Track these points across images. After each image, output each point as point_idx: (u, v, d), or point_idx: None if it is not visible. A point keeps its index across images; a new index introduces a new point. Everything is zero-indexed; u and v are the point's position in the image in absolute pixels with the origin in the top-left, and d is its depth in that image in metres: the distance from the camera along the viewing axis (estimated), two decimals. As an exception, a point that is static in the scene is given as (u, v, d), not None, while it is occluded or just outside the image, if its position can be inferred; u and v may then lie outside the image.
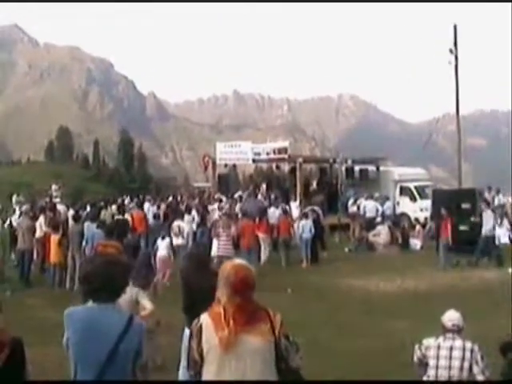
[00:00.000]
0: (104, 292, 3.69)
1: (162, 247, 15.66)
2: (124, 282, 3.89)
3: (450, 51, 28.27)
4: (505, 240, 22.24)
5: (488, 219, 18.89)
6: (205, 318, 3.67)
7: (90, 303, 3.75)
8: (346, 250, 22.63)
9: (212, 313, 3.66)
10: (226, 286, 3.62)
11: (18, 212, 21.32)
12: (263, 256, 19.13)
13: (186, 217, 20.16)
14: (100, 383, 3.55)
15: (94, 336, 3.56)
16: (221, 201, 24.58)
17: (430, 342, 6.09)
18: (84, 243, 15.01)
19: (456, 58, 28.17)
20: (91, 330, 3.58)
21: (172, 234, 17.58)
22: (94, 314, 3.66)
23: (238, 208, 22.93)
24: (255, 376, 3.54)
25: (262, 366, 3.57)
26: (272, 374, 3.63)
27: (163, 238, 16.31)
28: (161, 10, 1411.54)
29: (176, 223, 18.22)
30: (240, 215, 20.93)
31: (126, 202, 26.83)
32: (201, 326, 3.64)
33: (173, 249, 16.61)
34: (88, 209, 23.58)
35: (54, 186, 33.10)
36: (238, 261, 3.91)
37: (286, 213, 21.46)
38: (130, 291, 6.77)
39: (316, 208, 23.05)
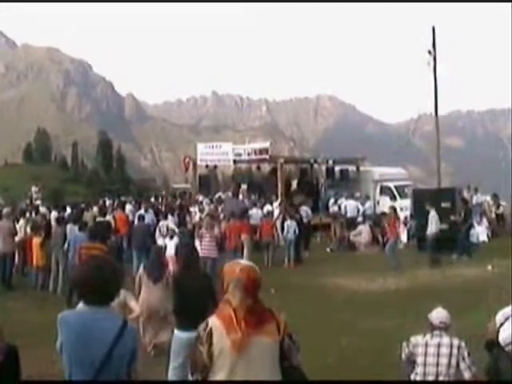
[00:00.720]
0: (97, 295, 3.67)
1: (171, 246, 15.63)
2: (117, 286, 3.87)
3: (429, 52, 28.49)
4: (483, 238, 22.54)
5: (432, 219, 19.19)
6: (214, 321, 3.63)
7: (81, 306, 3.74)
8: (328, 249, 22.75)
9: (221, 315, 3.64)
10: (238, 289, 3.62)
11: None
12: (245, 257, 19.11)
13: (170, 218, 20.11)
14: None
15: (88, 340, 3.54)
16: (201, 202, 24.55)
17: (417, 339, 6.15)
18: (66, 245, 14.89)
19: (435, 59, 28.39)
20: (85, 334, 3.56)
21: (158, 235, 17.55)
22: (88, 317, 3.64)
23: (219, 209, 22.92)
24: (266, 376, 3.58)
25: (271, 365, 3.61)
26: (278, 373, 3.67)
27: (171, 237, 16.37)
28: (139, 12, 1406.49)
29: (163, 223, 18.18)
30: (222, 216, 20.96)
31: (108, 203, 26.67)
32: (211, 330, 3.59)
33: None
34: (68, 210, 23.44)
35: (34, 188, 32.83)
36: (244, 262, 3.94)
37: (269, 214, 21.49)
38: (121, 294, 6.76)
39: (305, 208, 23.04)
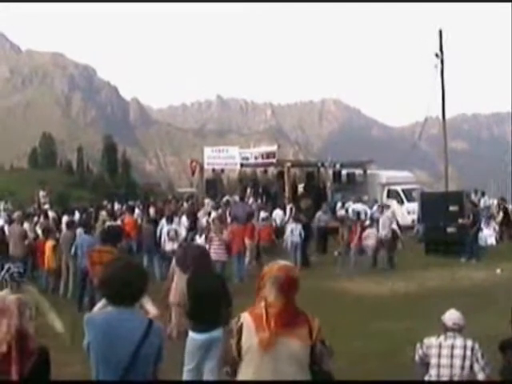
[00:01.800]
0: (123, 296, 3.72)
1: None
2: (142, 287, 3.92)
3: (436, 55, 28.46)
4: (491, 241, 22.54)
5: (384, 223, 19.37)
6: (246, 318, 3.71)
7: (110, 307, 3.79)
8: (336, 253, 22.70)
9: (253, 313, 3.71)
10: (274, 286, 3.67)
11: (2, 219, 21.12)
12: (247, 261, 19.03)
13: (177, 221, 20.13)
14: None
15: (114, 340, 3.59)
16: (208, 206, 24.56)
17: (431, 341, 6.16)
18: (73, 249, 14.84)
19: (442, 62, 28.36)
20: (112, 334, 3.61)
21: (167, 239, 17.59)
22: (114, 318, 3.69)
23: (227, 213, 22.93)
24: (290, 378, 3.61)
25: (297, 368, 3.63)
26: (307, 377, 3.69)
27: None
28: (144, 16, 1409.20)
29: (171, 227, 18.18)
30: (229, 220, 20.97)
31: (116, 207, 26.77)
32: (241, 325, 3.68)
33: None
34: (77, 215, 23.52)
35: (41, 193, 32.87)
36: (284, 262, 3.97)
37: (268, 219, 21.42)
38: None
39: (319, 213, 22.81)
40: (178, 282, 9.48)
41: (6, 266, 7.01)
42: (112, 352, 3.59)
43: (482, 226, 21.74)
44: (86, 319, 3.75)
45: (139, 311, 6.97)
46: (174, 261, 10.68)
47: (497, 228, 24.80)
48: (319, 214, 22.00)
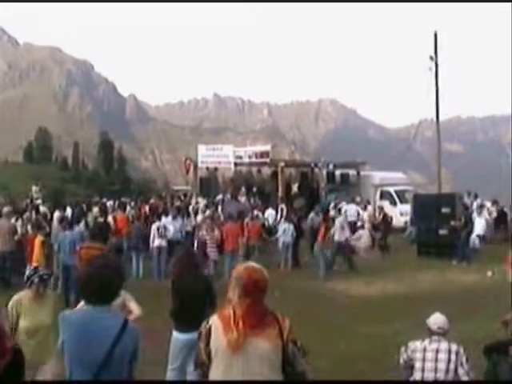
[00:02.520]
0: (99, 295, 3.70)
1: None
2: (119, 285, 3.90)
3: (431, 58, 28.52)
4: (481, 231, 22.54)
5: (338, 226, 19.43)
6: (214, 320, 3.71)
7: (86, 306, 3.75)
8: (328, 253, 22.69)
9: (221, 315, 3.71)
10: (238, 287, 3.67)
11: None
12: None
13: (169, 218, 20.06)
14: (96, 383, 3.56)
15: (90, 339, 3.57)
16: (200, 204, 24.47)
17: (416, 344, 6.17)
18: (56, 245, 14.70)
19: (436, 64, 28.41)
20: (87, 333, 3.59)
21: (156, 235, 17.56)
22: (90, 316, 3.67)
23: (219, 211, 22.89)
24: (261, 379, 3.58)
25: (268, 369, 3.61)
26: (278, 378, 3.67)
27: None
28: (142, 12, 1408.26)
29: (160, 224, 18.15)
30: (222, 218, 20.92)
31: (109, 204, 26.64)
32: (210, 328, 3.68)
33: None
34: (68, 210, 23.42)
35: (34, 188, 32.73)
36: (252, 263, 3.95)
37: (257, 217, 21.32)
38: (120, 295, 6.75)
39: (312, 215, 22.58)
40: None
41: (31, 268, 6.88)
42: (86, 351, 3.56)
43: (475, 215, 21.90)
44: (61, 318, 3.72)
45: (119, 310, 6.95)
46: None
47: (488, 218, 24.84)
48: (312, 215, 21.72)
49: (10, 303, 6.20)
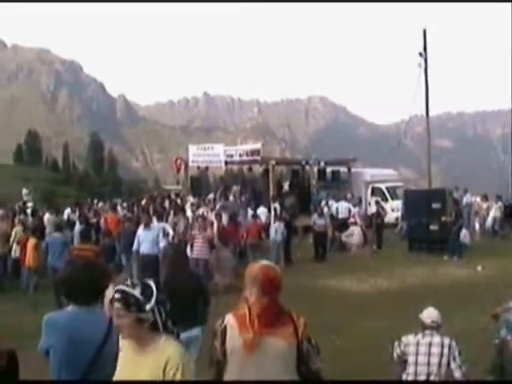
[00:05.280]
0: (84, 295, 3.69)
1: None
2: (103, 285, 3.89)
3: (420, 54, 28.58)
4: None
5: (277, 228, 19.70)
6: (229, 319, 3.71)
7: (71, 307, 3.75)
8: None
9: (237, 313, 3.71)
10: (255, 286, 3.66)
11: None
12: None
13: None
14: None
15: (77, 340, 3.55)
16: (192, 204, 24.44)
17: (409, 339, 6.21)
18: (44, 246, 14.60)
19: (425, 61, 28.48)
20: (74, 335, 3.57)
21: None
22: (75, 317, 3.66)
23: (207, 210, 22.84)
24: (276, 378, 3.59)
25: (283, 368, 3.61)
26: (293, 377, 3.67)
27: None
28: (130, 12, 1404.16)
29: (160, 226, 18.11)
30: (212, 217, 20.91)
31: (100, 205, 26.61)
32: (225, 327, 3.68)
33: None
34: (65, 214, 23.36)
35: (24, 191, 32.57)
36: (266, 262, 3.95)
37: (256, 216, 21.34)
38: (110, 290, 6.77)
39: (315, 217, 22.36)
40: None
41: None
42: (74, 352, 3.55)
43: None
44: (46, 320, 3.68)
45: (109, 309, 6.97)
46: None
47: (477, 226, 25.08)
48: (314, 216, 21.51)
49: None
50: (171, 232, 18.34)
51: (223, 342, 3.66)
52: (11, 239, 16.59)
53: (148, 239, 14.61)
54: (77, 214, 22.05)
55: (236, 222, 19.58)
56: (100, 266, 3.97)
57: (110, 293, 6.68)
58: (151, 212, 21.33)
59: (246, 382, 3.60)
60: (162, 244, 17.10)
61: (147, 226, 15.00)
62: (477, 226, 25.81)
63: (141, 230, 14.95)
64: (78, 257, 11.05)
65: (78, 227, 16.05)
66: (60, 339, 3.59)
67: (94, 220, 19.53)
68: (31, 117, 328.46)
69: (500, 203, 25.46)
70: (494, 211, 24.71)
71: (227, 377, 3.68)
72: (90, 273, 3.73)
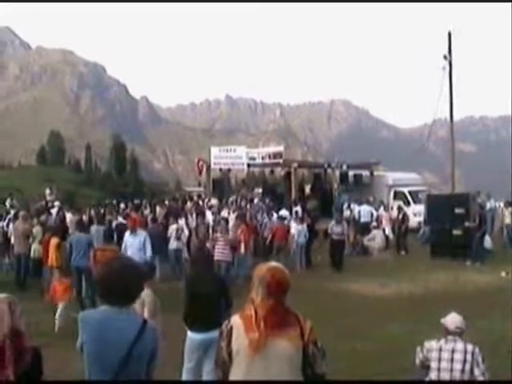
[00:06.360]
0: (119, 296, 3.69)
1: None
2: (139, 287, 3.90)
3: (444, 57, 28.39)
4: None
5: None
6: (235, 320, 3.72)
7: (104, 306, 3.77)
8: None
9: (243, 314, 3.71)
10: (261, 287, 3.67)
11: (10, 216, 21.05)
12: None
13: (184, 220, 20.10)
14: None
15: (108, 340, 3.57)
16: (212, 206, 24.50)
17: (431, 344, 6.15)
18: (68, 246, 14.63)
19: (450, 64, 28.28)
20: (106, 335, 3.58)
21: (172, 238, 17.66)
22: (109, 317, 3.66)
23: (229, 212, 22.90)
24: (281, 379, 3.58)
25: (288, 370, 3.61)
26: (298, 379, 3.66)
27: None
28: (154, 14, 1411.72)
29: (176, 226, 18.23)
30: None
31: (122, 206, 26.79)
32: (231, 328, 3.69)
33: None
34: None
35: (47, 191, 32.86)
36: (274, 263, 3.96)
37: (283, 219, 21.30)
38: (143, 294, 6.79)
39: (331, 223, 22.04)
40: None
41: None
42: (105, 352, 3.56)
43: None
44: (81, 318, 3.72)
45: (140, 310, 7.01)
46: None
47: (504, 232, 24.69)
48: (332, 223, 20.56)
49: None
50: (186, 232, 18.42)
51: (229, 343, 3.66)
52: (30, 239, 16.76)
53: (134, 245, 14.12)
54: (92, 214, 22.30)
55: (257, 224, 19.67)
56: (136, 268, 3.97)
57: (145, 294, 6.74)
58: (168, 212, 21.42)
59: (252, 382, 3.59)
60: (176, 244, 17.34)
61: (134, 231, 14.44)
62: (504, 232, 25.39)
63: (127, 236, 14.47)
64: (101, 257, 11.21)
65: (95, 227, 16.02)
66: (91, 337, 3.62)
67: (116, 221, 19.59)
68: (54, 118, 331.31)
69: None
70: None
71: (233, 377, 3.68)
72: (126, 274, 3.74)
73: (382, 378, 8.15)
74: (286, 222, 21.40)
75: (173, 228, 18.21)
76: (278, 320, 3.63)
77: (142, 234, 14.39)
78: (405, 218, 23.35)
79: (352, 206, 25.48)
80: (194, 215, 21.36)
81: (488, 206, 25.54)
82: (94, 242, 13.64)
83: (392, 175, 32.24)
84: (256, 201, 25.60)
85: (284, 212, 23.35)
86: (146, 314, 6.93)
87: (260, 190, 29.16)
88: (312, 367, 3.69)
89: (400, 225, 23.13)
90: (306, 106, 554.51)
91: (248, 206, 24.21)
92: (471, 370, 5.87)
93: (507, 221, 23.58)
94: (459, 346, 5.98)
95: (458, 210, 20.63)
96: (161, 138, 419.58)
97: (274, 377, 3.57)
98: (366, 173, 30.72)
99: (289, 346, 3.60)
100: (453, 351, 5.96)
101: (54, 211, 23.07)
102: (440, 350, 6.04)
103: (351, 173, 29.80)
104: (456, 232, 20.53)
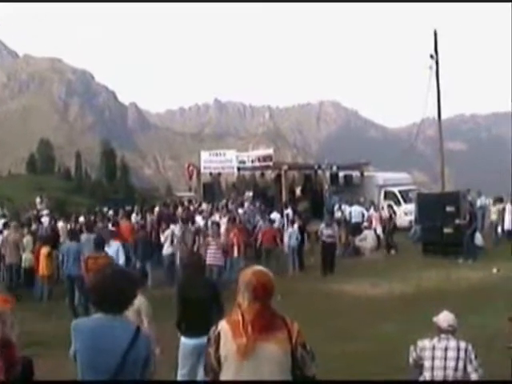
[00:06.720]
0: (112, 303, 3.69)
1: None
2: (132, 294, 3.89)
3: (431, 56, 28.50)
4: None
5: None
6: (223, 325, 3.70)
7: (98, 314, 3.76)
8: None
9: (230, 319, 3.70)
10: (248, 292, 3.66)
11: (-1, 226, 20.94)
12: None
13: (176, 225, 20.06)
14: None
15: (101, 348, 3.57)
16: (202, 211, 24.47)
17: (424, 343, 6.17)
18: (60, 256, 14.55)
19: (437, 63, 28.40)
20: (99, 342, 3.58)
21: (166, 244, 17.67)
22: (102, 325, 3.66)
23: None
24: (272, 382, 3.58)
25: (278, 373, 3.60)
26: (288, 382, 3.66)
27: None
28: (141, 21, 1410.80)
29: (168, 232, 18.23)
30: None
31: (110, 213, 26.71)
32: (219, 333, 3.67)
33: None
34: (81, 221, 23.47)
35: (37, 199, 32.77)
36: (258, 267, 3.94)
37: (272, 222, 21.31)
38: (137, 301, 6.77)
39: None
40: None
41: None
42: (98, 359, 3.56)
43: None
44: (74, 326, 3.71)
45: (134, 317, 6.98)
46: None
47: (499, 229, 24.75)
48: (322, 226, 20.33)
49: None
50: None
51: (217, 349, 3.65)
52: (21, 249, 16.71)
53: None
54: (81, 222, 22.22)
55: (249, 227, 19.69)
56: (129, 275, 3.97)
57: (138, 301, 6.73)
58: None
59: (247, 382, 3.57)
60: (171, 250, 17.30)
61: (107, 242, 14.00)
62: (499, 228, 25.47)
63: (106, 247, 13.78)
64: (93, 265, 11.20)
65: (85, 236, 15.95)
66: (84, 345, 3.61)
67: (106, 228, 19.54)
68: (43, 126, 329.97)
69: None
70: (509, 213, 24.42)
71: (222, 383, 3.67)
72: (119, 281, 3.74)
73: (375, 377, 8.16)
74: (276, 224, 21.43)
75: (166, 234, 18.21)
76: (266, 324, 3.62)
77: (115, 245, 14.20)
78: (391, 216, 23.44)
79: (343, 206, 25.51)
80: (181, 222, 21.33)
81: (478, 203, 25.61)
82: (84, 250, 13.60)
83: (382, 175, 32.30)
84: (246, 204, 25.57)
85: (275, 215, 23.36)
86: (144, 320, 6.91)
87: (251, 194, 29.10)
88: (301, 370, 3.68)
89: (387, 224, 23.22)
90: (295, 108, 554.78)
91: (239, 210, 24.19)
92: (464, 368, 5.89)
93: (493, 217, 23.71)
94: (452, 343, 6.00)
95: (448, 208, 20.70)
96: (150, 143, 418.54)
97: (263, 380, 3.56)
98: (356, 173, 30.77)
99: (277, 349, 3.60)
100: (446, 349, 5.99)
101: (44, 220, 22.95)
102: (433, 348, 6.06)
103: (341, 174, 29.83)
104: (447, 230, 20.60)
